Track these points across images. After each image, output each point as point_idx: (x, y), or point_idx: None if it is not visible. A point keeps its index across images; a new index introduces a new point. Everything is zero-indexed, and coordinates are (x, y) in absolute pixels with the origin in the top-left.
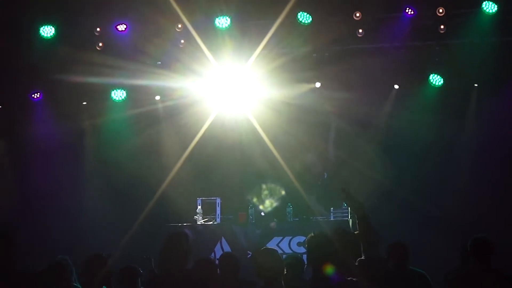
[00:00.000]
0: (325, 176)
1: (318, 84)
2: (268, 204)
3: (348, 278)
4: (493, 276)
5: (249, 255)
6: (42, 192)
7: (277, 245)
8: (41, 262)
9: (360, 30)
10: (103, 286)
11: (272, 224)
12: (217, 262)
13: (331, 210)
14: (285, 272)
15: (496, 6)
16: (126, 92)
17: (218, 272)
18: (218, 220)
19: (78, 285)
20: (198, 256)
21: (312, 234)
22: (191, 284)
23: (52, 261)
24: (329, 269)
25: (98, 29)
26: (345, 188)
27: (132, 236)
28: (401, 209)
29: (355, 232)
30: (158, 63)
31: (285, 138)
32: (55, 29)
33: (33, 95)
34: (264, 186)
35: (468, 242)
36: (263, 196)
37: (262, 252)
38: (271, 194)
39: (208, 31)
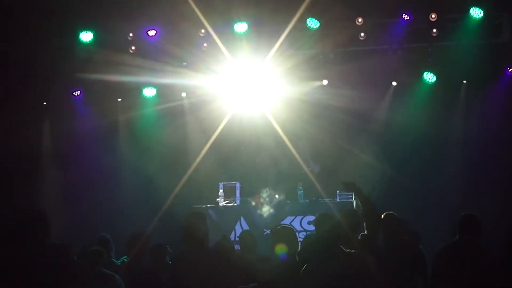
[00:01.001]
0: (317, 169)
1: (325, 82)
2: (281, 189)
3: (352, 251)
4: (474, 250)
5: (265, 233)
6: (83, 178)
7: (290, 223)
8: (84, 240)
9: (362, 34)
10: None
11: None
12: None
13: (337, 193)
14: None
15: (482, 12)
16: (156, 90)
17: (238, 247)
18: (238, 202)
19: (114, 259)
20: (220, 236)
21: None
22: (212, 261)
23: (96, 237)
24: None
25: (131, 35)
26: (345, 182)
27: (161, 217)
28: (399, 191)
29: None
30: (184, 64)
31: (296, 129)
32: (93, 34)
33: (74, 93)
34: (278, 173)
35: (460, 218)
36: (277, 181)
37: (279, 229)
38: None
39: (228, 36)
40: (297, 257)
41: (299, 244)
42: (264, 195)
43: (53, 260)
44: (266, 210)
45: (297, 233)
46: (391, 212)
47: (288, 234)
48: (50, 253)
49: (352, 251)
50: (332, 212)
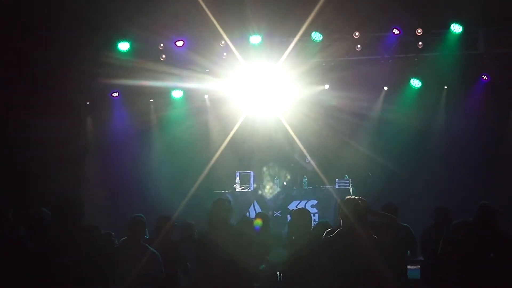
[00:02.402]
0: (307, 161)
1: (327, 86)
2: (288, 177)
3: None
4: (488, 233)
5: (275, 214)
6: (120, 168)
7: (296, 206)
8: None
9: (359, 46)
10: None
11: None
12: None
13: (336, 181)
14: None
15: (461, 27)
16: (183, 92)
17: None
18: (252, 188)
19: (147, 235)
20: (241, 216)
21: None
22: (234, 236)
23: (132, 218)
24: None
25: (162, 45)
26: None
27: (188, 200)
28: (390, 177)
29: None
30: (206, 70)
31: (302, 126)
32: (129, 44)
33: (112, 94)
34: (286, 163)
35: (477, 205)
36: (285, 170)
37: (297, 211)
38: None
39: (244, 46)
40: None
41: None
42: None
43: (93, 239)
44: (276, 195)
45: None
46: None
47: (304, 216)
48: (89, 232)
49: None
50: (332, 196)
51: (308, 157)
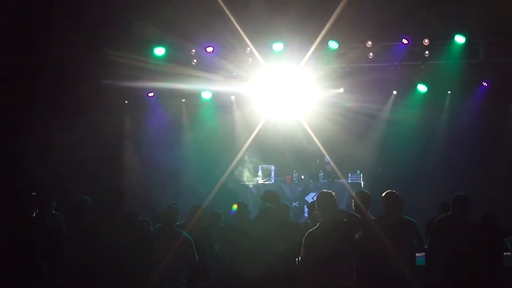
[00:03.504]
0: (326, 160)
1: (341, 90)
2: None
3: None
4: (467, 223)
5: (293, 205)
6: (156, 161)
7: (312, 198)
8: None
9: (371, 54)
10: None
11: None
12: None
13: (349, 175)
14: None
15: (464, 38)
16: (211, 93)
17: None
18: (273, 181)
19: (180, 222)
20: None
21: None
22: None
23: (167, 206)
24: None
25: (193, 51)
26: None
27: (217, 191)
28: (397, 173)
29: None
30: (233, 74)
31: (319, 125)
32: (165, 50)
33: (148, 94)
34: (304, 158)
35: (452, 197)
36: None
37: (320, 194)
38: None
39: (267, 53)
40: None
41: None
42: (293, 175)
43: (132, 225)
44: (294, 187)
45: None
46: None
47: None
48: (128, 219)
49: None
50: (346, 189)
51: (327, 156)
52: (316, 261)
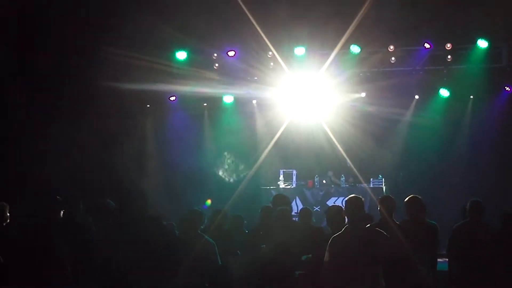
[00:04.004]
0: (348, 164)
1: (363, 94)
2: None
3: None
4: (483, 227)
5: (314, 209)
6: (178, 163)
7: (334, 202)
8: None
9: (393, 58)
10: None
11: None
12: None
13: (371, 180)
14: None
15: (487, 43)
16: (233, 97)
17: (297, 219)
18: (294, 185)
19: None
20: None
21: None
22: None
23: (190, 210)
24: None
25: (215, 55)
26: None
27: (238, 194)
28: (419, 178)
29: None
30: (255, 78)
31: (341, 129)
32: (186, 54)
33: (170, 98)
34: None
35: (467, 203)
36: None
37: (330, 208)
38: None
39: (289, 57)
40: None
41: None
42: (314, 180)
43: (156, 228)
44: (315, 191)
45: None
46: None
47: (338, 210)
48: (152, 222)
49: (373, 229)
50: (367, 194)
51: (348, 161)
52: (340, 266)
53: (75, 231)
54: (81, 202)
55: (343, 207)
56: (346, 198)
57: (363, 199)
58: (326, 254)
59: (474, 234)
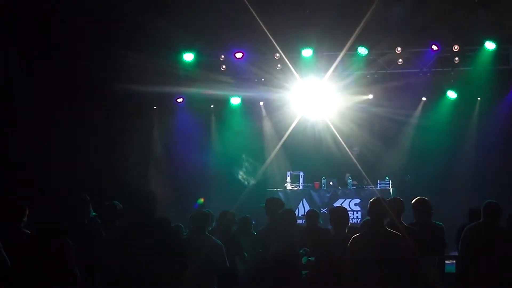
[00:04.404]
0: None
1: (371, 96)
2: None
3: (393, 231)
4: (498, 229)
5: (321, 211)
6: (184, 165)
7: (341, 204)
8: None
9: (400, 60)
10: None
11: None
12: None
13: (378, 182)
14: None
15: (494, 44)
16: (240, 99)
17: (303, 222)
18: (301, 187)
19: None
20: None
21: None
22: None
23: (197, 212)
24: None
25: (222, 56)
26: None
27: (245, 196)
28: (426, 179)
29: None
30: (262, 80)
31: (348, 131)
32: (194, 55)
33: (177, 100)
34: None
35: (483, 204)
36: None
37: (335, 209)
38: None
39: (296, 59)
40: (347, 231)
41: (350, 221)
42: (321, 182)
43: (164, 230)
44: (322, 193)
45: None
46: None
47: (342, 212)
48: (160, 224)
49: (393, 231)
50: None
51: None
52: (363, 268)
53: (84, 234)
54: (90, 204)
55: (367, 207)
56: (371, 200)
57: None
58: (348, 254)
59: (489, 235)
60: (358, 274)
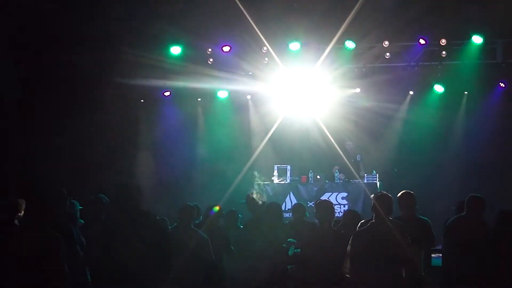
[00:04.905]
0: (358, 159)
1: (358, 90)
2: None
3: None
4: (481, 224)
5: (309, 205)
6: (170, 158)
7: (328, 198)
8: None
9: (387, 54)
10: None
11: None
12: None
13: (365, 175)
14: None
15: (481, 38)
16: (227, 92)
17: (290, 215)
18: (288, 180)
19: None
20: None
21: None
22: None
23: (183, 205)
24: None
25: (209, 50)
26: None
27: (232, 190)
28: (413, 173)
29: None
30: (249, 73)
31: (335, 125)
32: (181, 48)
33: (164, 93)
34: (320, 159)
35: (466, 198)
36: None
37: (321, 202)
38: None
39: (284, 52)
40: (332, 224)
41: (335, 214)
42: (308, 175)
43: (150, 224)
44: (309, 187)
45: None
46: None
47: (327, 205)
48: (146, 217)
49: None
50: (362, 189)
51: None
52: (365, 262)
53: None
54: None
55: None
56: (376, 195)
57: (390, 196)
58: (350, 247)
59: (470, 229)
60: (360, 268)
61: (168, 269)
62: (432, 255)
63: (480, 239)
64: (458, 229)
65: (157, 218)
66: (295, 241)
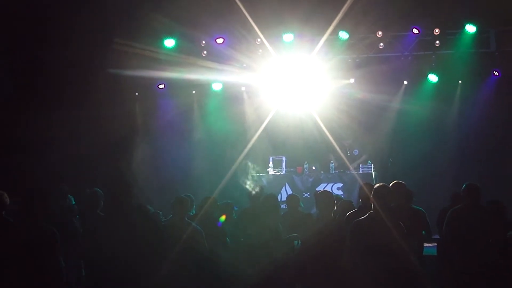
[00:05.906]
0: (356, 153)
1: (352, 80)
2: (316, 163)
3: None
4: (480, 210)
5: (304, 195)
6: (166, 150)
7: (323, 189)
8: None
9: (381, 44)
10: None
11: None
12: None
13: (360, 166)
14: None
15: (475, 28)
16: (222, 84)
17: (285, 206)
18: (284, 172)
19: (193, 211)
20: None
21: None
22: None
23: (177, 197)
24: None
25: (203, 42)
26: None
27: (226, 182)
28: (408, 163)
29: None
30: (243, 65)
31: (329, 115)
32: (175, 41)
33: (159, 86)
34: (315, 149)
35: (463, 186)
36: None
37: (321, 192)
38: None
39: (277, 43)
40: (333, 215)
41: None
42: (304, 166)
43: (144, 217)
44: (305, 178)
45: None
46: (398, 181)
47: (328, 196)
48: (139, 211)
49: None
50: (357, 180)
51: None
52: (367, 250)
53: (56, 223)
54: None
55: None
56: (375, 186)
57: (390, 186)
58: (349, 237)
59: (472, 217)
60: (360, 260)
61: (161, 261)
62: (427, 245)
63: (480, 226)
64: (458, 218)
65: (151, 211)
66: (297, 235)
